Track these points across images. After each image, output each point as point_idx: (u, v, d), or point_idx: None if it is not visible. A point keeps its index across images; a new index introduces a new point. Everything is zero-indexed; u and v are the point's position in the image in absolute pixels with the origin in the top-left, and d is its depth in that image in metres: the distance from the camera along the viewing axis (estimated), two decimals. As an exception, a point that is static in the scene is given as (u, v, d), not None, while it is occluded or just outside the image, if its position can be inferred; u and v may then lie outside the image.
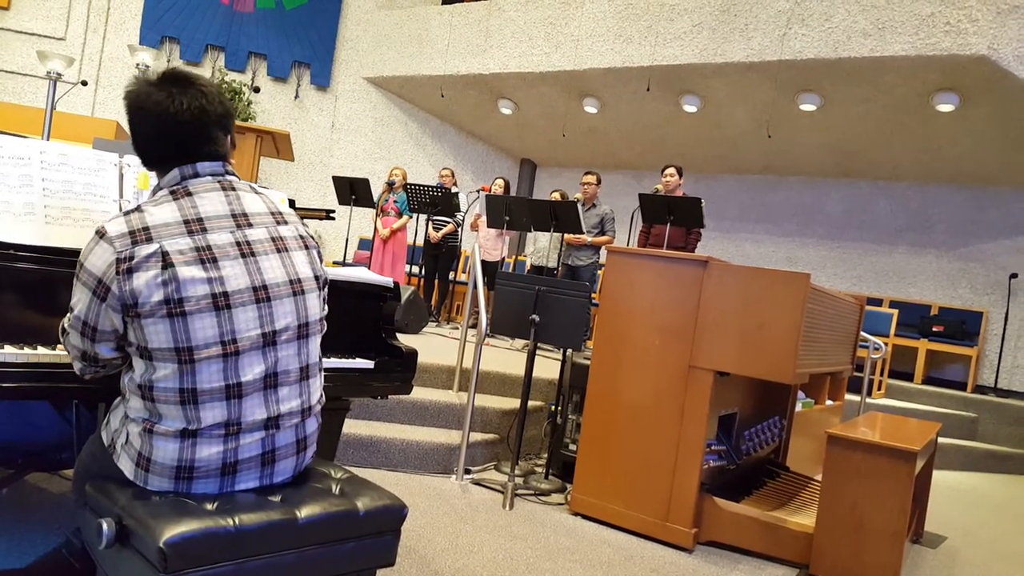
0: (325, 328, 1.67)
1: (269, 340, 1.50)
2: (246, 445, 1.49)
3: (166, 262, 1.40)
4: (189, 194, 1.50)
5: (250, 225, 1.53)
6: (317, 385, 1.64)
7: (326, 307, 1.69)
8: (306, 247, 1.62)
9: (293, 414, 1.55)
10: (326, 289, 1.69)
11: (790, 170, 9.85)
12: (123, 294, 1.39)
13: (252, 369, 1.47)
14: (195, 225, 1.46)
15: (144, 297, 1.38)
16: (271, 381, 1.51)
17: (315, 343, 1.62)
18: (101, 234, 1.42)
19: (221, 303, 1.43)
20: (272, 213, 1.58)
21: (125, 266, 1.39)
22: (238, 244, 1.49)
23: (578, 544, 3.11)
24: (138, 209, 1.46)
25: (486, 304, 4.17)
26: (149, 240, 1.41)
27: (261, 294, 1.49)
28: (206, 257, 1.44)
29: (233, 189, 1.55)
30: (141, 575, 1.34)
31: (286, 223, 1.60)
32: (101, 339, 1.45)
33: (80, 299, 1.44)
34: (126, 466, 1.48)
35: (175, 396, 1.42)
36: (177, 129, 1.50)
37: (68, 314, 1.48)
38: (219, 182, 1.54)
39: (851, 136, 8.35)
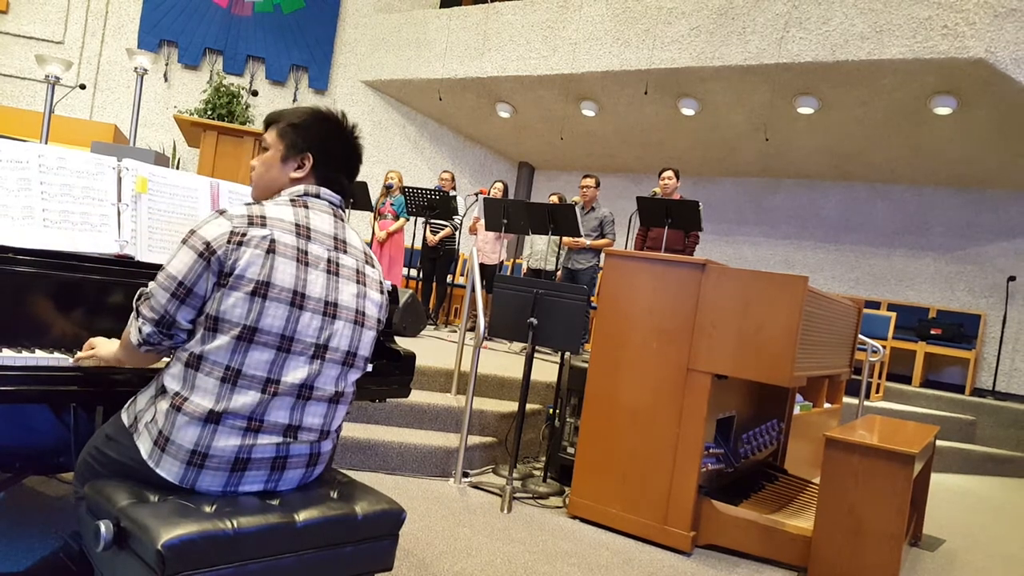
0: (368, 369, 1.78)
1: (320, 353, 1.59)
2: (262, 446, 1.52)
3: (271, 247, 1.52)
4: (306, 207, 1.66)
5: (345, 252, 1.68)
6: (343, 412, 1.72)
7: (371, 351, 1.79)
8: (381, 292, 1.77)
9: (313, 430, 1.61)
10: (378, 333, 1.78)
11: (788, 173, 9.86)
12: (225, 261, 1.49)
13: (295, 373, 1.55)
14: (303, 231, 1.60)
15: (241, 269, 1.49)
16: (306, 393, 1.58)
17: (355, 375, 1.71)
18: (221, 212, 1.55)
19: (298, 301, 1.55)
20: (365, 253, 1.76)
21: (237, 238, 1.50)
22: (329, 261, 1.63)
23: (576, 547, 3.11)
24: (259, 204, 1.61)
25: (484, 307, 4.17)
26: (263, 226, 1.54)
27: (330, 309, 1.61)
28: (302, 259, 1.57)
29: (341, 219, 1.73)
30: (139, 579, 1.34)
31: (373, 266, 1.77)
32: (189, 302, 1.50)
33: (181, 260, 1.50)
34: (144, 445, 1.51)
35: (220, 371, 1.48)
36: (356, 157, 1.78)
37: (157, 276, 1.53)
38: (333, 210, 1.71)
39: (849, 139, 8.37)
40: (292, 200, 1.66)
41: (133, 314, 1.56)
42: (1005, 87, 6.46)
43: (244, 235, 1.51)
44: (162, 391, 1.52)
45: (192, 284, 1.49)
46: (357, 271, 1.69)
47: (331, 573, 1.55)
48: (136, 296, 1.57)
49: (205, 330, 1.49)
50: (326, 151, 1.72)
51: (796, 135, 8.53)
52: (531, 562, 2.85)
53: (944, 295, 8.90)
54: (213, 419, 1.47)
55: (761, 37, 7.27)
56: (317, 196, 1.69)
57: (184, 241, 1.52)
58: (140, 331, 1.53)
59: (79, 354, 1.69)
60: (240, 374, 1.49)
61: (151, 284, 1.54)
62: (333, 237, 1.66)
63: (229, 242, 1.49)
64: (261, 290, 1.49)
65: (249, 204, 1.59)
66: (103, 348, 1.66)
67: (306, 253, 1.58)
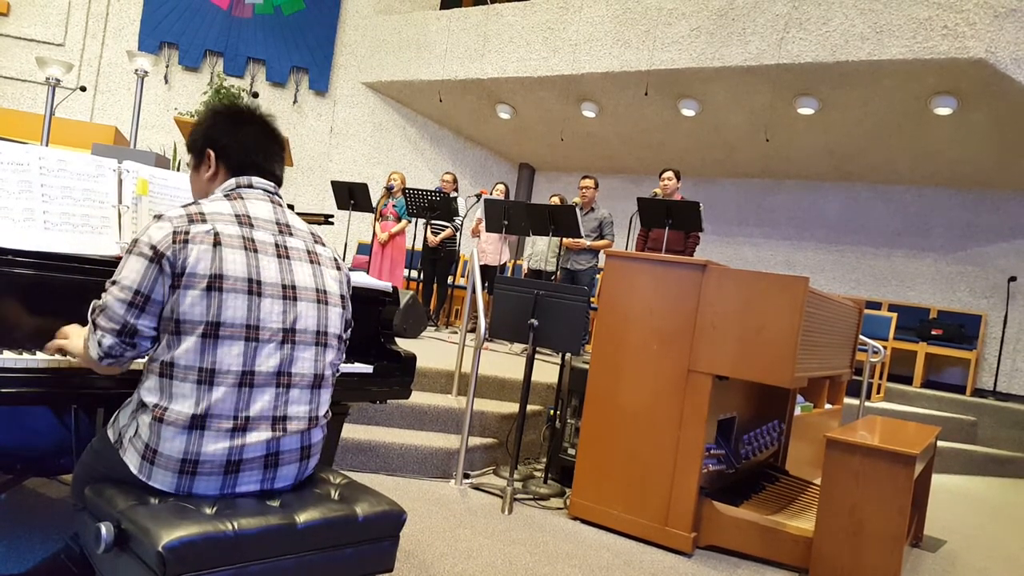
0: (343, 349, 1.75)
1: (288, 337, 1.57)
2: (252, 444, 1.51)
3: (216, 240, 1.51)
4: (242, 198, 1.64)
5: (291, 235, 1.66)
6: (327, 398, 1.69)
7: (350, 328, 1.79)
8: (337, 268, 1.74)
9: (300, 419, 1.59)
10: (349, 308, 1.77)
11: (788, 174, 9.86)
12: (175, 261, 1.47)
13: (268, 360, 1.54)
14: (244, 219, 1.59)
15: (192, 267, 1.47)
16: (284, 380, 1.56)
17: (330, 355, 1.68)
18: (159, 216, 1.53)
19: (254, 289, 1.53)
20: (312, 233, 1.73)
21: (182, 237, 1.49)
22: (277, 246, 1.61)
23: (577, 549, 3.11)
24: (195, 203, 1.59)
25: (485, 308, 4.17)
26: (204, 221, 1.53)
27: (289, 292, 1.59)
28: (249, 247, 1.56)
29: (280, 205, 1.70)
30: (140, 580, 1.34)
31: (323, 245, 1.74)
32: (150, 309, 1.48)
33: (133, 268, 1.48)
34: (132, 460, 1.49)
35: (193, 374, 1.47)
36: (268, 141, 1.73)
37: (108, 289, 1.50)
38: (269, 197, 1.69)
39: (849, 140, 8.36)
40: (226, 195, 1.64)
41: (89, 327, 1.52)
42: (1005, 87, 6.46)
43: (187, 232, 1.49)
44: (141, 405, 1.50)
45: (149, 291, 1.47)
46: (308, 251, 1.67)
47: (332, 574, 1.55)
48: (90, 310, 1.53)
49: (169, 335, 1.48)
50: (225, 142, 1.70)
51: (796, 136, 8.53)
52: (532, 563, 2.85)
53: (945, 296, 8.90)
54: (197, 424, 1.46)
55: (761, 38, 7.28)
56: (250, 186, 1.67)
57: (130, 251, 1.50)
58: (100, 344, 1.49)
59: (49, 344, 1.67)
60: (214, 372, 1.47)
61: (105, 297, 1.50)
62: (275, 222, 1.64)
63: (175, 242, 1.48)
64: (216, 283, 1.48)
65: (186, 204, 1.57)
66: (75, 338, 1.64)
67: (252, 240, 1.56)
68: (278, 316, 1.55)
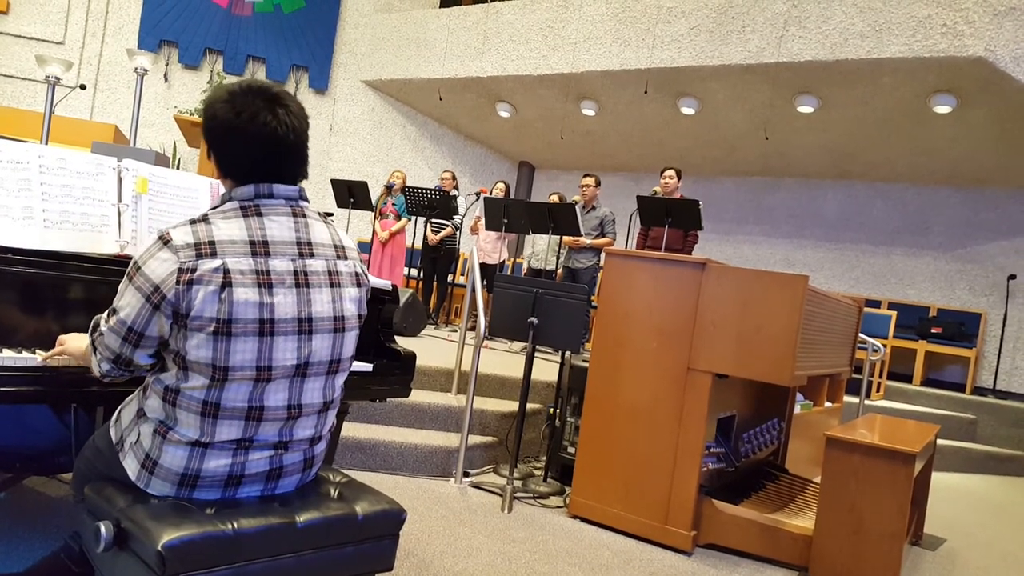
0: (352, 364, 1.68)
1: (301, 371, 1.51)
2: (254, 461, 1.50)
3: (226, 280, 1.39)
4: (260, 215, 1.49)
5: (312, 256, 1.53)
6: (332, 416, 1.66)
7: (355, 347, 1.69)
8: (358, 284, 1.64)
9: (305, 440, 1.58)
10: (363, 309, 1.68)
11: (788, 172, 9.86)
12: (179, 303, 1.38)
13: (277, 396, 1.48)
14: (260, 247, 1.45)
15: (198, 311, 1.38)
16: (294, 412, 1.52)
17: (342, 379, 1.64)
18: (166, 240, 1.40)
19: (267, 329, 1.44)
20: (335, 246, 1.59)
21: (187, 277, 1.37)
22: (295, 273, 1.49)
23: (577, 547, 3.11)
24: (205, 220, 1.44)
25: (485, 307, 4.17)
26: (213, 255, 1.40)
27: (305, 326, 1.50)
28: (263, 282, 1.44)
29: (303, 216, 1.55)
30: (139, 579, 1.34)
31: (345, 258, 1.61)
32: (144, 345, 1.43)
33: (130, 303, 1.40)
34: (131, 466, 1.48)
35: (197, 407, 1.42)
36: (278, 150, 1.50)
37: (108, 316, 1.45)
38: (291, 207, 1.53)
39: (848, 138, 8.36)
40: (243, 208, 1.48)
41: (89, 346, 1.49)
42: (1004, 85, 6.46)
43: (194, 271, 1.37)
44: (143, 415, 1.48)
45: (143, 329, 1.41)
46: (328, 272, 1.55)
47: (332, 573, 1.55)
48: (91, 327, 1.49)
49: (178, 368, 1.43)
50: (225, 152, 1.51)
51: (796, 134, 8.52)
52: (531, 562, 2.85)
53: (944, 294, 8.90)
54: (200, 445, 1.44)
55: (761, 36, 7.27)
56: (270, 196, 1.50)
57: (130, 279, 1.41)
58: (100, 367, 1.48)
59: (48, 353, 1.65)
60: (219, 408, 1.43)
61: (103, 327, 1.45)
62: (296, 243, 1.50)
63: (179, 282, 1.37)
64: (223, 328, 1.39)
65: (195, 223, 1.43)
66: (72, 343, 1.63)
67: (268, 274, 1.44)
68: (292, 353, 1.48)
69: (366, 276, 1.69)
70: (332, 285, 1.55)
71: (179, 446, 1.43)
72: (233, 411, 1.44)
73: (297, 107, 1.53)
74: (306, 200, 1.59)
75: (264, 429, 1.49)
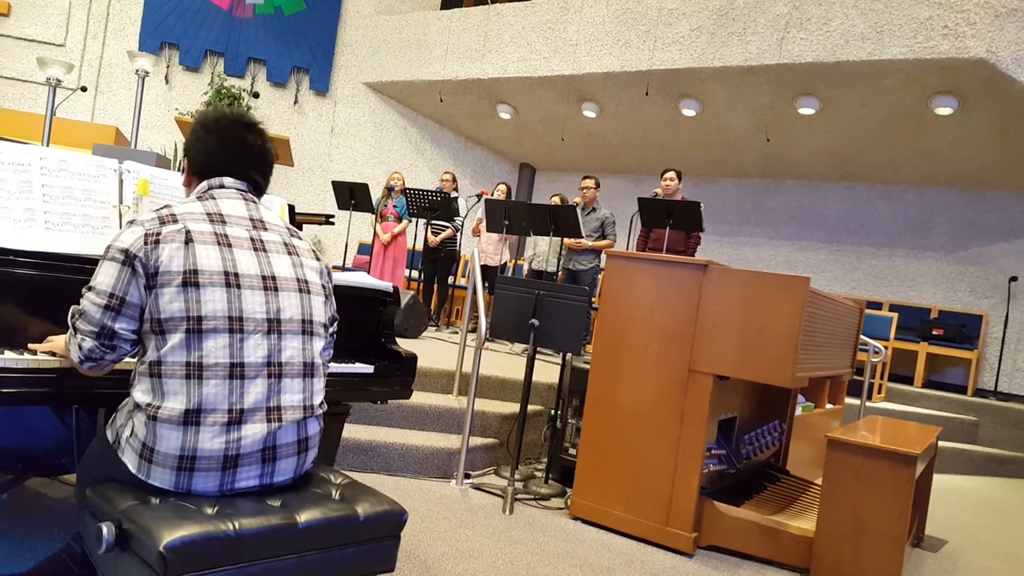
0: (332, 339, 1.75)
1: (274, 327, 1.58)
2: (248, 438, 1.51)
3: (188, 238, 1.53)
4: (213, 198, 1.66)
5: (266, 229, 1.67)
6: (320, 387, 1.68)
7: (335, 323, 1.78)
8: (316, 259, 1.75)
9: (295, 408, 1.59)
10: (332, 301, 1.77)
11: (789, 174, 9.86)
12: (147, 262, 1.50)
13: (255, 351, 1.54)
14: (216, 217, 1.61)
15: (165, 265, 1.49)
16: (275, 370, 1.57)
17: (318, 344, 1.68)
18: (131, 221, 1.56)
19: (232, 281, 1.54)
20: (287, 228, 1.73)
21: (153, 238, 1.51)
22: (252, 240, 1.63)
23: (578, 549, 3.11)
24: (166, 206, 1.61)
25: (486, 308, 4.17)
26: (175, 221, 1.55)
27: (270, 283, 1.60)
28: (223, 242, 1.57)
29: (254, 202, 1.72)
30: (141, 580, 1.34)
31: (300, 239, 1.74)
32: (126, 312, 1.51)
33: (107, 273, 1.51)
34: (130, 460, 1.51)
35: (181, 369, 1.48)
36: (240, 147, 1.72)
37: (85, 294, 1.53)
38: (242, 195, 1.70)
39: (850, 139, 8.36)
40: (199, 196, 1.67)
41: (70, 332, 1.55)
42: (1006, 87, 6.46)
43: (158, 233, 1.52)
44: (136, 406, 1.51)
45: (124, 293, 1.50)
46: (285, 243, 1.68)
47: (333, 574, 1.55)
48: (70, 315, 1.57)
49: (156, 336, 1.50)
50: (196, 148, 1.72)
51: (797, 136, 8.53)
52: (533, 563, 2.85)
53: (946, 296, 8.89)
54: (192, 420, 1.47)
55: (762, 38, 7.27)
56: (221, 187, 1.69)
57: (104, 257, 1.53)
58: (80, 347, 1.53)
59: (37, 346, 1.69)
60: (202, 366, 1.48)
61: (83, 302, 1.53)
62: (249, 218, 1.65)
63: (146, 243, 1.51)
64: (191, 279, 1.50)
65: (159, 208, 1.60)
66: (61, 339, 1.66)
67: (226, 236, 1.58)
68: (261, 306, 1.56)
69: (321, 258, 1.79)
70: (290, 254, 1.68)
71: (172, 426, 1.46)
72: (215, 367, 1.49)
73: (264, 136, 1.79)
74: (257, 198, 1.76)
75: (250, 391, 1.52)
